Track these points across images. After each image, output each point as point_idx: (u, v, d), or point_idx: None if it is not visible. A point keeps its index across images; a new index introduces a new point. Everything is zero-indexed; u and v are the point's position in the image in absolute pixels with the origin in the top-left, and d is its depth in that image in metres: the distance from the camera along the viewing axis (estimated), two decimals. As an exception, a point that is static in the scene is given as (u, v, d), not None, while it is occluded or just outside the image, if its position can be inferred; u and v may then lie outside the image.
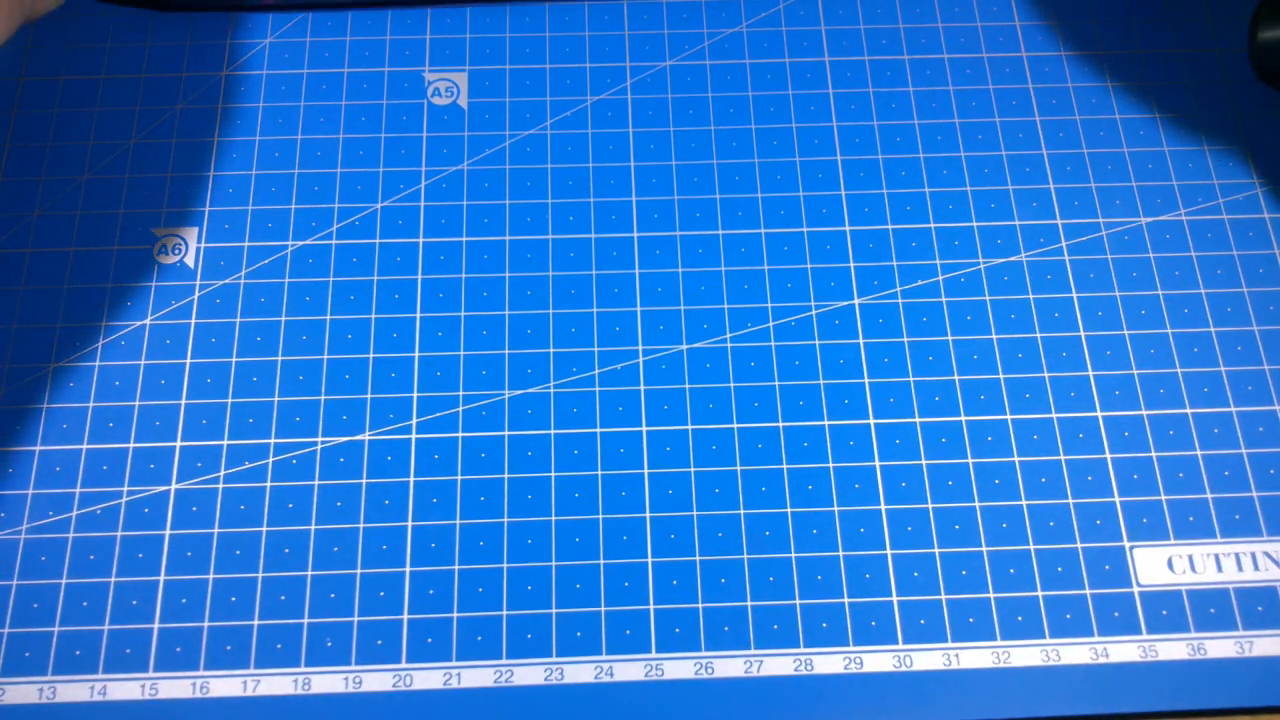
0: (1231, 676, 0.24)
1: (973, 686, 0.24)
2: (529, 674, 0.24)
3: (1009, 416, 0.26)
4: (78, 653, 0.24)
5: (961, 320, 0.27)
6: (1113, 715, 0.24)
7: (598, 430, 0.26)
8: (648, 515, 0.26)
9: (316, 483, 0.26)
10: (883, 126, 0.30)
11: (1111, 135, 0.30)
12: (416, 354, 0.27)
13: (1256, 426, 0.26)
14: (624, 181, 0.29)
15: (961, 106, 0.30)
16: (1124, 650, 0.24)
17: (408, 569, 0.25)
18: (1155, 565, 0.25)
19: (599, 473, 0.26)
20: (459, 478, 0.26)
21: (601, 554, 0.25)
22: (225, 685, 0.24)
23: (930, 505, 0.26)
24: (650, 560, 0.25)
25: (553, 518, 0.25)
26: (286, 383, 0.27)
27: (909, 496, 0.26)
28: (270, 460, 0.26)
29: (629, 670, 0.24)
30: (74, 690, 0.24)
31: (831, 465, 0.26)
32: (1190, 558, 0.25)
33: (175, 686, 0.24)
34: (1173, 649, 0.24)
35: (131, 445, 0.26)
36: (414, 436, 0.26)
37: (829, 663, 0.24)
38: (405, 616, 0.25)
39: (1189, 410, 0.27)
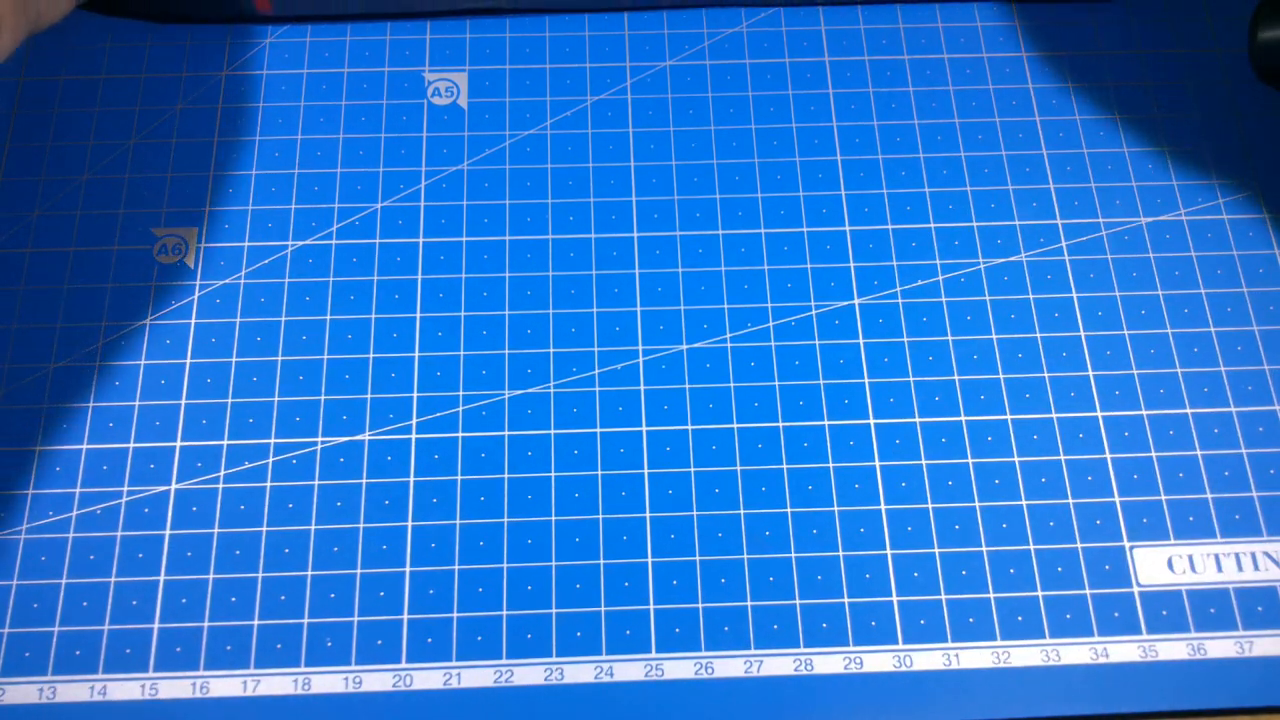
0: (1231, 676, 0.24)
1: (973, 686, 0.24)
2: (529, 674, 0.24)
3: (1009, 416, 0.26)
4: (78, 653, 0.24)
5: (961, 320, 0.27)
6: (1113, 715, 0.24)
7: (598, 430, 0.26)
8: (648, 515, 0.26)
9: (316, 483, 0.26)
10: (883, 126, 0.30)
11: (1111, 135, 0.30)
12: (416, 354, 0.27)
13: (1256, 426, 0.26)
14: (624, 181, 0.29)
15: (961, 106, 0.30)
16: (1124, 650, 0.24)
17: (408, 569, 0.25)
18: (1155, 565, 0.25)
19: (599, 473, 0.26)
20: (459, 478, 0.26)
21: (601, 554, 0.25)
22: (225, 685, 0.24)
23: (930, 505, 0.26)
24: (650, 560, 0.25)
25: (553, 518, 0.25)
26: (286, 383, 0.27)
27: (909, 496, 0.26)
28: (270, 460, 0.26)
29: (629, 670, 0.24)
30: (74, 690, 0.24)
31: (831, 465, 0.26)
32: (1190, 558, 0.25)
33: (175, 686, 0.24)
34: (1173, 649, 0.24)
35: (131, 445, 0.26)
36: (414, 436, 0.26)
37: (829, 663, 0.24)
38: (405, 616, 0.25)
39: (1189, 410, 0.27)
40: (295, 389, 0.27)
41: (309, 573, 0.25)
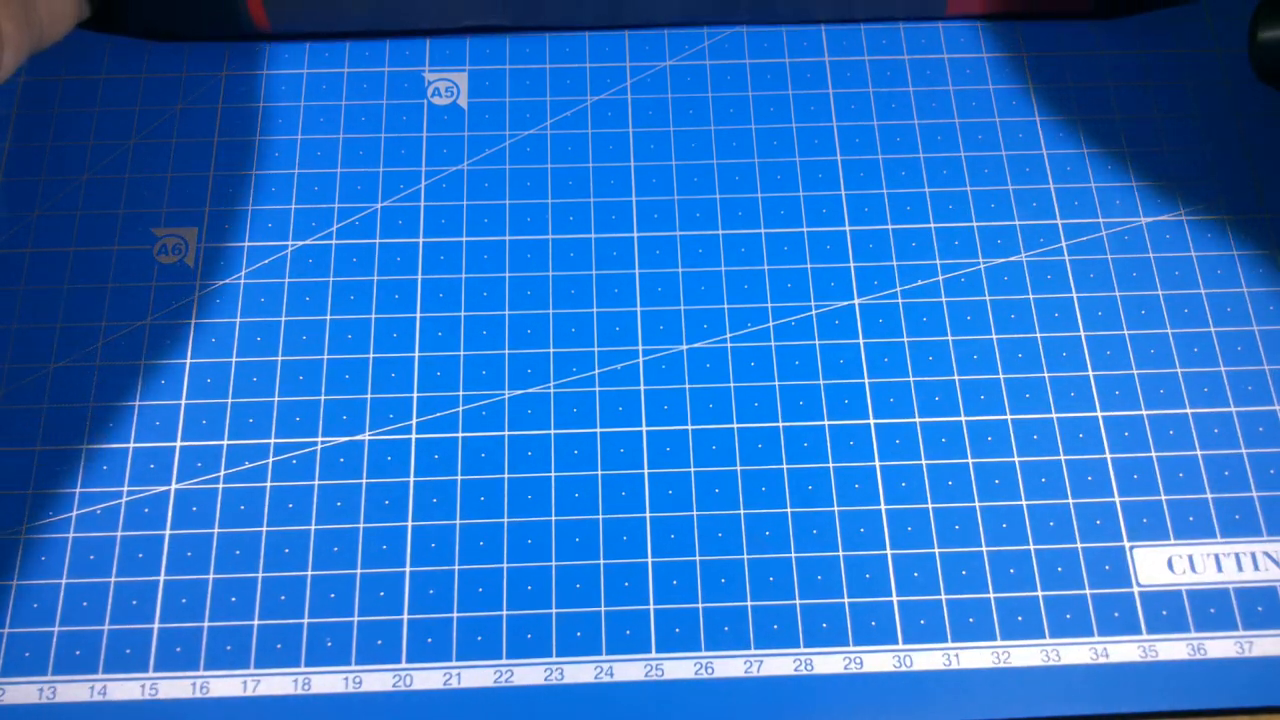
0: (1231, 676, 0.24)
1: (973, 686, 0.24)
2: (529, 674, 0.24)
3: (1009, 416, 0.26)
4: (78, 653, 0.24)
5: (961, 320, 0.27)
6: (1113, 715, 0.24)
7: (598, 430, 0.26)
8: (648, 515, 0.26)
9: (316, 483, 0.26)
10: (882, 127, 0.30)
11: (1112, 135, 0.30)
12: (416, 354, 0.27)
13: (1256, 426, 0.26)
14: (624, 181, 0.29)
15: (961, 106, 0.30)
16: (1124, 650, 0.24)
17: (408, 569, 0.25)
18: (1155, 565, 0.25)
19: (599, 473, 0.26)
20: (459, 478, 0.26)
21: (601, 554, 0.25)
22: (225, 685, 0.24)
23: (930, 505, 0.26)
24: (650, 560, 0.25)
25: (553, 518, 0.25)
26: (286, 383, 0.27)
27: (909, 496, 0.26)
28: (270, 460, 0.26)
29: (629, 670, 0.24)
30: (74, 690, 0.24)
31: (831, 465, 0.26)
32: (1190, 558, 0.25)
33: (175, 686, 0.24)
34: (1173, 649, 0.24)
35: (131, 445, 0.26)
36: (414, 436, 0.26)
37: (829, 663, 0.24)
38: (405, 616, 0.25)
39: (1189, 410, 0.27)
40: (295, 389, 0.27)
41: (309, 573, 0.25)
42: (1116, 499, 0.26)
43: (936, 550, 0.25)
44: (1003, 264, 0.28)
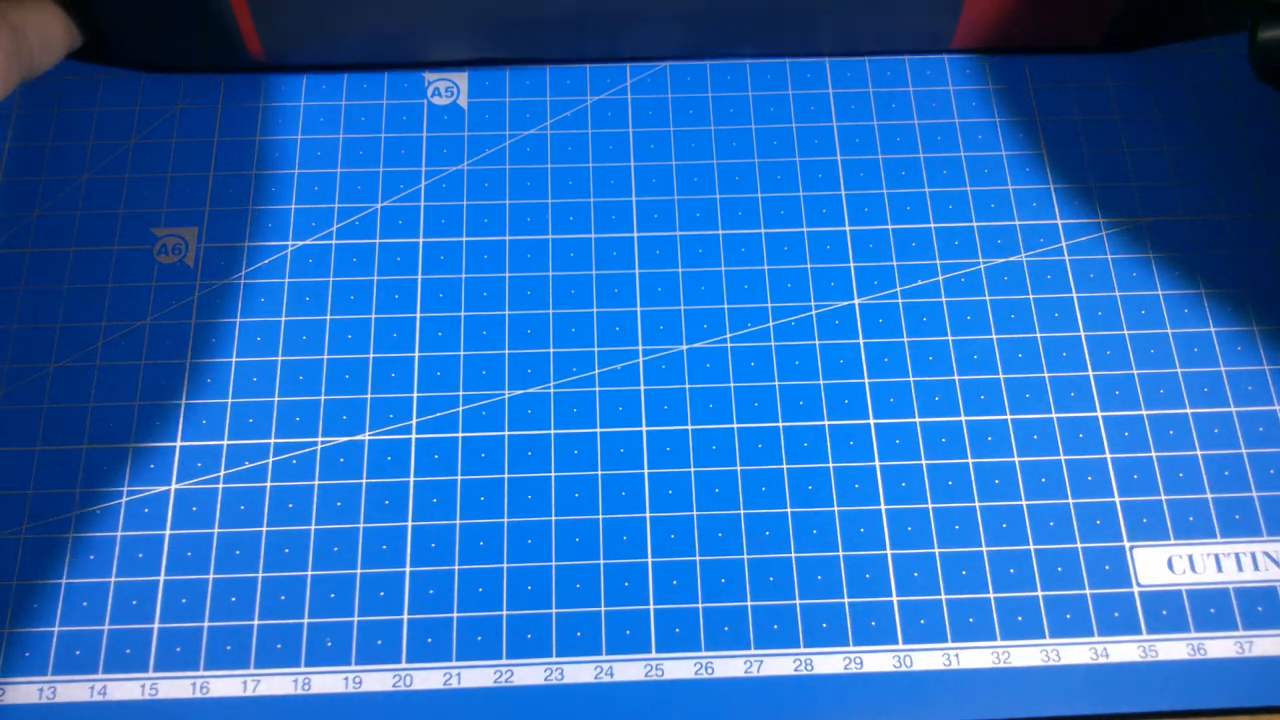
0: (1231, 676, 0.24)
1: (973, 687, 0.24)
2: (529, 674, 0.24)
3: (1009, 416, 0.26)
4: (78, 653, 0.24)
5: (961, 320, 0.27)
6: (1113, 715, 0.24)
7: (598, 430, 0.26)
8: (648, 515, 0.26)
9: (316, 483, 0.26)
10: (882, 126, 0.30)
11: (1112, 135, 0.30)
12: (416, 354, 0.27)
13: (1256, 426, 0.26)
14: (624, 181, 0.29)
15: (961, 106, 0.30)
16: (1124, 650, 0.24)
17: (408, 569, 0.25)
18: (1155, 565, 0.25)
19: (599, 473, 0.26)
20: (459, 478, 0.26)
21: (601, 554, 0.25)
22: (225, 685, 0.24)
23: (930, 505, 0.26)
24: (650, 560, 0.25)
25: (553, 518, 0.25)
26: (286, 383, 0.27)
27: (909, 496, 0.26)
28: (270, 460, 0.26)
29: (629, 670, 0.24)
30: (74, 690, 0.24)
31: (831, 465, 0.26)
32: (1190, 558, 0.25)
33: (175, 686, 0.24)
34: (1173, 649, 0.24)
35: (131, 445, 0.26)
36: (414, 436, 0.26)
37: (829, 663, 0.24)
38: (405, 616, 0.25)
39: (1189, 410, 0.27)
40: (295, 389, 0.27)
41: (309, 573, 0.25)
42: (1116, 499, 0.26)
43: (936, 550, 0.25)
44: (1003, 264, 0.28)
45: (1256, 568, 0.25)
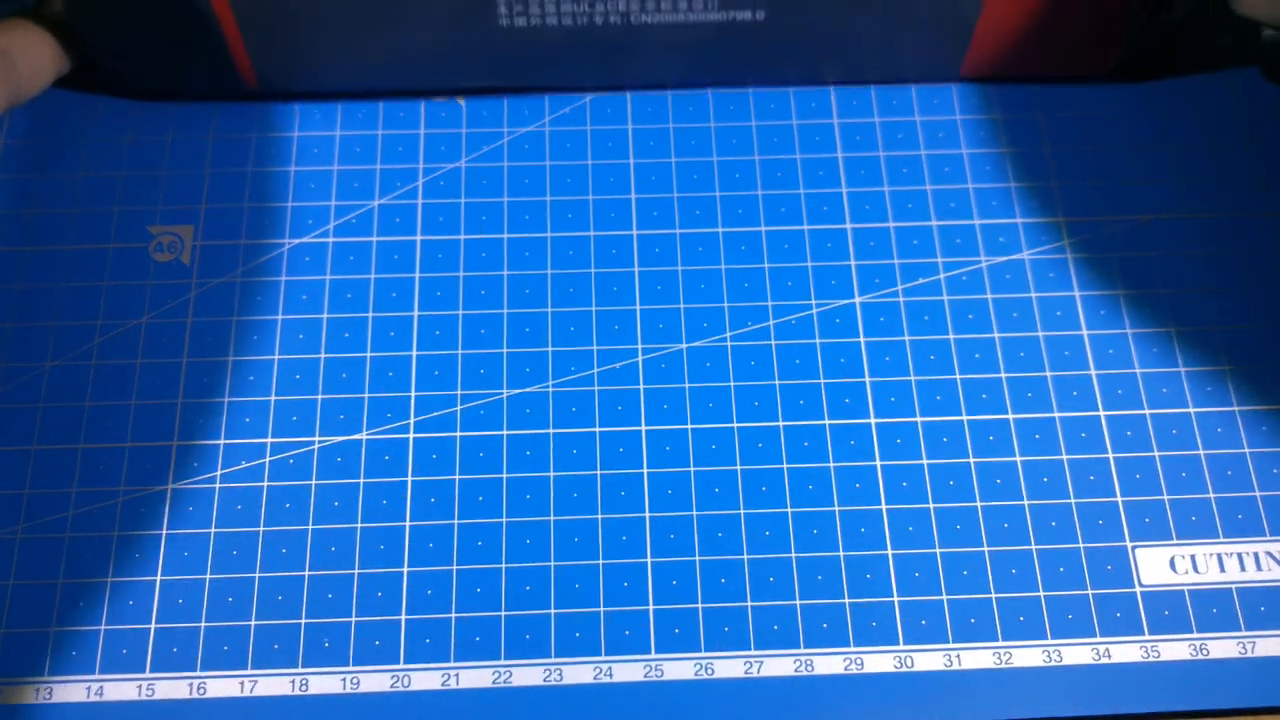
0: (1234, 677, 0.24)
1: (974, 687, 0.24)
2: (527, 675, 0.24)
3: (1010, 416, 0.26)
4: (73, 653, 0.24)
5: (963, 319, 0.27)
6: (1115, 716, 0.24)
7: (597, 430, 0.26)
8: (647, 515, 0.25)
9: (314, 482, 0.26)
10: (884, 124, 0.29)
11: (1112, 134, 0.29)
12: (414, 353, 0.27)
13: (1260, 426, 0.26)
14: (623, 179, 0.29)
15: (963, 104, 0.30)
16: (1126, 651, 0.24)
17: (405, 569, 0.25)
18: (1157, 565, 0.25)
19: (598, 472, 0.26)
20: (457, 477, 0.26)
21: (600, 554, 0.25)
22: (222, 686, 0.24)
23: (931, 505, 0.25)
24: (650, 560, 0.25)
25: (551, 518, 0.25)
26: (283, 382, 0.27)
27: (910, 496, 0.26)
28: (267, 460, 0.26)
29: (628, 671, 0.24)
30: (69, 691, 0.24)
31: (832, 465, 0.26)
32: (1193, 557, 0.25)
33: (172, 687, 0.24)
34: (1175, 649, 0.24)
35: (127, 444, 0.26)
36: (411, 436, 0.26)
37: (829, 663, 0.24)
38: (403, 617, 0.25)
39: (1192, 409, 0.26)
40: (292, 388, 0.26)
41: (306, 573, 0.25)
42: (1119, 498, 0.26)
43: (938, 550, 0.25)
44: (1004, 262, 0.28)
45: (1259, 568, 0.25)
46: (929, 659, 0.24)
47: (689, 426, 0.26)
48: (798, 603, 0.25)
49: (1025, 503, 0.26)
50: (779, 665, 0.24)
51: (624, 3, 0.26)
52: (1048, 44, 0.28)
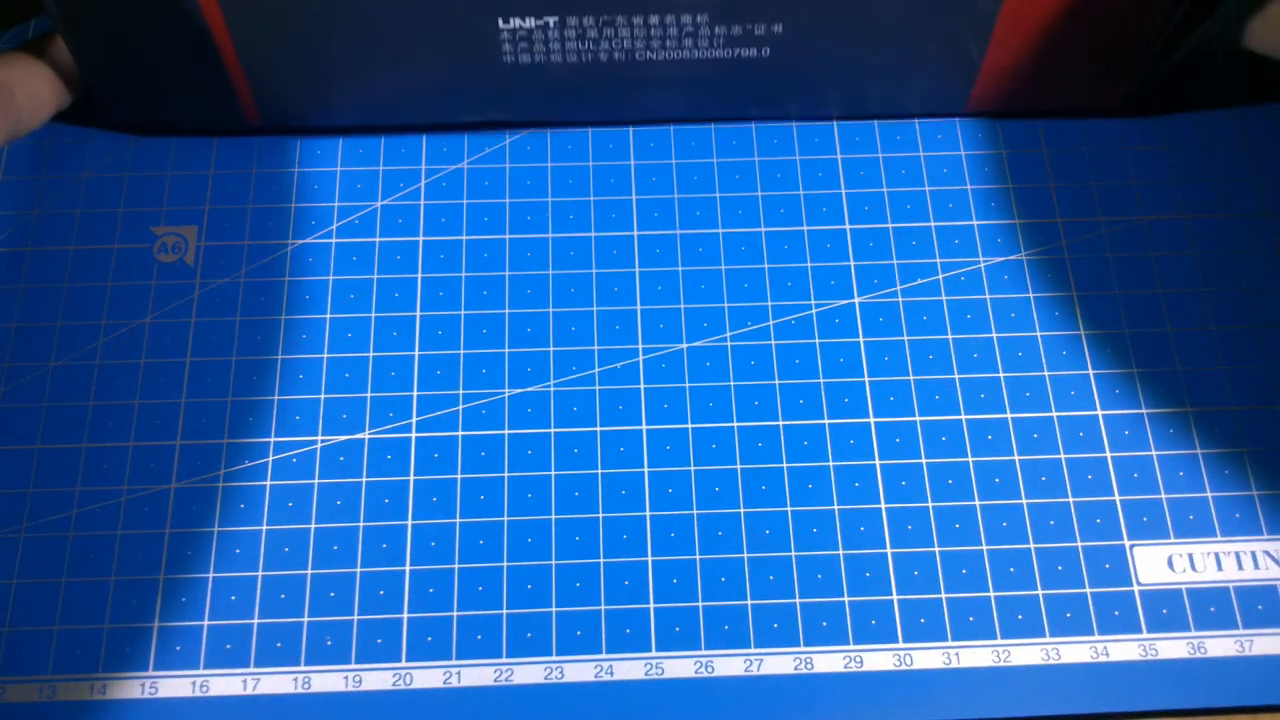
0: (1232, 675, 0.24)
1: (973, 685, 0.24)
2: (529, 673, 0.24)
3: (1009, 415, 0.26)
4: (77, 651, 0.24)
5: (961, 319, 0.27)
6: (1113, 714, 0.24)
7: (597, 429, 0.26)
8: (648, 514, 0.25)
9: (316, 481, 0.26)
10: (883, 125, 0.30)
11: (1112, 134, 0.29)
12: (416, 352, 0.27)
13: (1257, 425, 0.26)
14: (624, 180, 0.29)
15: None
16: (1124, 649, 0.24)
17: (407, 567, 0.25)
18: (1155, 564, 0.25)
19: (599, 471, 0.26)
20: (459, 476, 0.26)
21: (601, 553, 0.25)
22: (225, 684, 0.24)
23: (930, 504, 0.26)
24: (650, 559, 0.25)
25: (553, 516, 0.25)
26: (285, 381, 0.27)
27: (909, 495, 0.26)
28: (270, 459, 0.26)
29: (629, 669, 0.24)
30: (73, 689, 0.24)
31: (831, 464, 0.26)
32: (1190, 556, 0.25)
33: (175, 685, 0.24)
34: (1173, 648, 0.24)
35: (131, 444, 0.26)
36: (414, 435, 0.26)
37: (829, 661, 0.24)
38: (405, 615, 0.25)
39: (1189, 409, 0.27)
40: (294, 387, 0.27)
41: (309, 571, 0.25)
42: (1117, 497, 0.26)
43: (937, 549, 0.25)
44: (1002, 262, 0.28)
45: (1257, 566, 0.25)
46: (928, 657, 0.24)
47: (689, 426, 0.26)
48: (797, 601, 0.25)
49: (1024, 502, 0.26)
50: (779, 663, 0.24)
51: (629, 40, 0.26)
52: (1053, 82, 0.28)
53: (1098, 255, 0.28)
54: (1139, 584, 0.25)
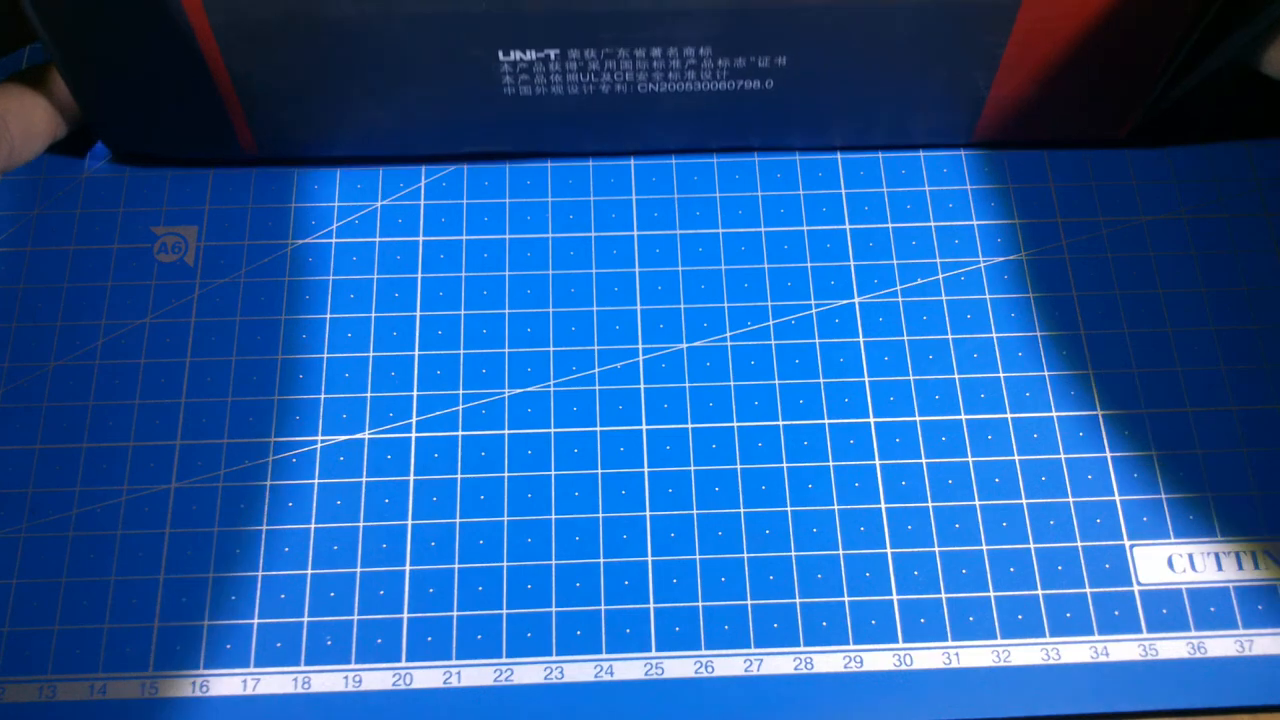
0: (1231, 675, 0.24)
1: (973, 685, 0.24)
2: (529, 673, 0.24)
3: (1009, 415, 0.26)
4: (77, 651, 0.24)
5: (961, 319, 0.27)
6: (1113, 714, 0.24)
7: (598, 429, 0.26)
8: (648, 514, 0.26)
9: (316, 481, 0.26)
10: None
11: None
12: (416, 352, 0.27)
13: (1257, 425, 0.26)
14: (624, 179, 0.29)
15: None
16: (1124, 649, 0.24)
17: (407, 567, 0.25)
18: (1155, 564, 0.25)
19: (599, 471, 0.26)
20: (459, 476, 0.26)
21: (601, 553, 0.25)
22: (225, 684, 0.24)
23: (930, 504, 0.26)
24: (650, 559, 0.25)
25: (553, 516, 0.25)
26: (286, 381, 0.27)
27: (909, 495, 0.26)
28: (270, 459, 0.26)
29: (629, 669, 0.24)
30: (74, 689, 0.24)
31: (831, 464, 0.26)
32: (1190, 556, 0.25)
33: (175, 685, 0.24)
34: (1173, 648, 0.24)
35: (131, 444, 0.26)
36: (414, 435, 0.26)
37: (829, 661, 0.24)
38: (405, 615, 0.25)
39: (1189, 409, 0.27)
40: (294, 387, 0.27)
41: (309, 571, 0.25)
42: (1117, 497, 0.26)
43: (936, 549, 0.25)
44: (1002, 262, 0.28)
45: (1257, 566, 0.25)
46: (928, 657, 0.24)
47: (689, 426, 0.26)
48: (797, 601, 0.25)
49: (1024, 501, 0.26)
50: (779, 663, 0.24)
51: (630, 72, 0.25)
52: (1060, 113, 0.28)
53: (1098, 255, 0.28)
54: (1139, 584, 0.25)
